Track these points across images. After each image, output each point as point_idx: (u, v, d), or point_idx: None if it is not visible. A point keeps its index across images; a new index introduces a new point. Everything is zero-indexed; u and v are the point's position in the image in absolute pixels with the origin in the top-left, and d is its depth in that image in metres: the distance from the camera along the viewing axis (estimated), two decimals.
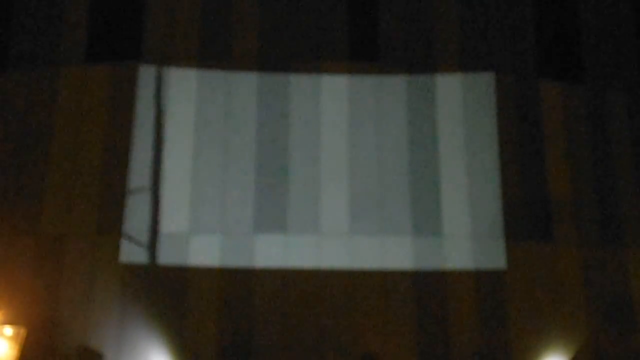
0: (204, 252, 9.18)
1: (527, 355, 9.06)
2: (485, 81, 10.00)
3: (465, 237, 9.40)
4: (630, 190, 9.96)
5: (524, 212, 9.59)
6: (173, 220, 9.28)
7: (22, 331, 8.28)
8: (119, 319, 8.87)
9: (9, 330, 8.18)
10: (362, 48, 10.04)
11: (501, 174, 9.67)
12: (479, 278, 9.29)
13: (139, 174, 9.41)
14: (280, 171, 9.50)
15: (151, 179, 9.41)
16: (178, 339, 8.85)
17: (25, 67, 9.88)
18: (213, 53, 9.88)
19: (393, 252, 9.28)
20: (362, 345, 8.96)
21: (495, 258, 9.37)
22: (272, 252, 9.23)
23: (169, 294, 9.01)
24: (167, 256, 9.15)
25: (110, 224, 9.22)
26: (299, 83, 9.80)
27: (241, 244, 9.23)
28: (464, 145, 9.75)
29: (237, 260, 9.18)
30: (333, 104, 9.76)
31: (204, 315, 8.95)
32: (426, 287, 9.22)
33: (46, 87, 9.77)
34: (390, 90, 9.84)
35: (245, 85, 9.77)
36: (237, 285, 9.09)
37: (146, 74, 9.75)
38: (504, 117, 9.92)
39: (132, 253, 9.14)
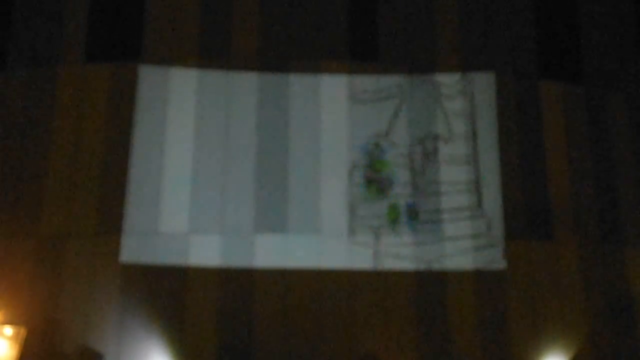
0: (204, 252, 9.18)
1: (527, 355, 9.06)
2: (485, 81, 10.00)
3: (465, 237, 9.40)
4: (630, 190, 9.97)
5: (524, 211, 9.59)
6: (173, 220, 9.28)
7: (22, 331, 8.28)
8: (119, 319, 8.86)
9: (9, 330, 8.17)
10: (362, 48, 10.05)
11: (501, 174, 9.67)
12: (479, 278, 9.30)
13: (139, 174, 9.41)
14: (280, 171, 9.50)
15: (151, 179, 9.41)
16: (178, 339, 8.84)
17: (25, 67, 9.88)
18: (213, 53, 9.88)
19: (392, 252, 9.28)
20: (362, 345, 8.96)
21: (495, 258, 9.37)
22: (272, 252, 9.23)
23: (169, 294, 9.01)
24: (167, 256, 9.15)
25: (110, 224, 9.22)
26: (299, 83, 9.80)
27: (241, 244, 9.23)
28: (464, 145, 9.75)
29: (237, 260, 9.18)
30: (333, 104, 9.77)
31: (204, 315, 8.95)
32: (426, 287, 9.22)
33: (46, 87, 9.77)
34: (389, 90, 9.85)
35: (245, 85, 9.77)
36: (237, 285, 9.09)
37: (146, 74, 9.75)
38: (504, 117, 9.92)
39: (132, 253, 9.13)
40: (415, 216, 9.43)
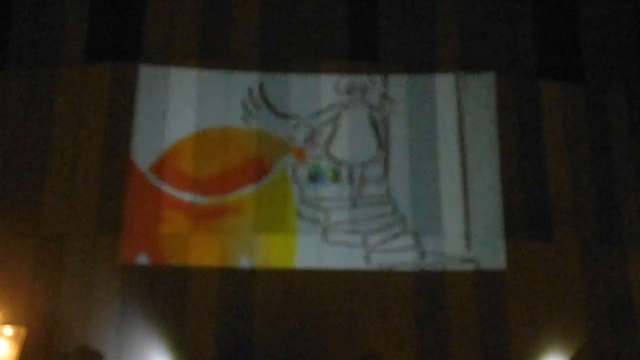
0: (204, 252, 9.18)
1: (527, 355, 9.06)
2: (485, 81, 10.00)
3: (465, 237, 9.40)
4: (630, 190, 9.95)
5: (524, 212, 9.59)
6: (173, 220, 9.28)
7: (22, 331, 8.28)
8: (119, 319, 8.87)
9: (9, 330, 8.18)
10: (362, 48, 10.05)
11: (501, 174, 9.66)
12: (479, 278, 9.29)
13: (138, 173, 9.40)
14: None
15: (151, 179, 9.41)
16: (178, 339, 8.85)
17: (25, 67, 9.88)
18: (213, 53, 9.88)
19: (393, 252, 9.28)
20: (362, 345, 8.96)
21: (495, 258, 9.37)
22: (272, 252, 9.23)
23: (169, 294, 9.01)
24: (167, 256, 9.15)
25: (110, 224, 9.22)
26: (299, 83, 9.80)
27: (241, 244, 9.23)
28: (464, 145, 9.75)
29: (237, 260, 9.17)
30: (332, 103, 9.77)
31: (204, 315, 8.95)
32: (426, 287, 9.22)
33: (46, 87, 9.77)
34: (390, 90, 9.85)
35: (245, 85, 9.76)
36: (237, 285, 9.09)
37: (146, 74, 9.75)
38: (504, 117, 9.91)
39: (132, 253, 9.13)
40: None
